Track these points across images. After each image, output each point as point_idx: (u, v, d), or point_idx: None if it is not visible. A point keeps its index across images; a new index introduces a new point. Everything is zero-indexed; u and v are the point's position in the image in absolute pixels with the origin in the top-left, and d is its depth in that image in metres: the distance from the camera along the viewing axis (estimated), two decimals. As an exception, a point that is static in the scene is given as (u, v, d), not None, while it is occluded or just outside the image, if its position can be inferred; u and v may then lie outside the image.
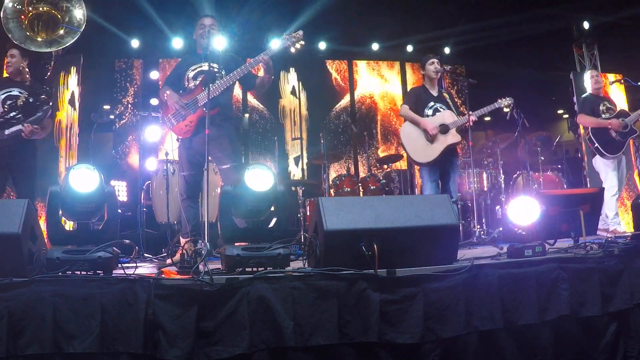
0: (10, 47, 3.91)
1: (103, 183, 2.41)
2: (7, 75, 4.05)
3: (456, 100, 4.93)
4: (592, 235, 3.20)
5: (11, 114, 3.75)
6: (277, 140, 7.17)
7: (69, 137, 5.86)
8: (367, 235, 2.36)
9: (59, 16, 3.57)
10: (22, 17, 3.49)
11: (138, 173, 5.66)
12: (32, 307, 2.05)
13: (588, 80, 5.40)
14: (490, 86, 5.78)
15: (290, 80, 8.39)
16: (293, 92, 8.35)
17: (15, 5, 3.47)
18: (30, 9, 3.51)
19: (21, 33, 3.52)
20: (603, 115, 5.15)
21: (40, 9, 3.55)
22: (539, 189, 5.93)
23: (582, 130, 6.88)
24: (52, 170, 5.68)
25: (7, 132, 3.72)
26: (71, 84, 5.98)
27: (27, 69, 3.97)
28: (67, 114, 5.89)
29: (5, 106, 3.81)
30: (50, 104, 3.88)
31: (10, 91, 3.90)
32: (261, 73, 3.84)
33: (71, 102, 5.92)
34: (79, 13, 3.61)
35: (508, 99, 4.75)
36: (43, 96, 3.81)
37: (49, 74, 4.70)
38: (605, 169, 5.14)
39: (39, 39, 3.56)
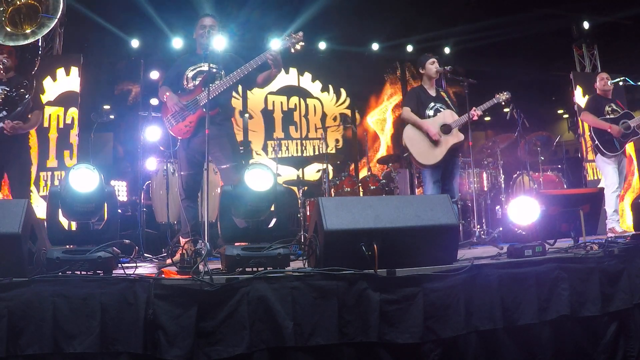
0: None
1: (103, 183, 2.41)
2: None
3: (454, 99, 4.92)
4: (592, 235, 3.20)
5: None
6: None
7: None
8: (367, 235, 2.36)
9: (38, 5, 3.53)
10: (2, 18, 3.47)
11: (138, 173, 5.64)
12: (32, 307, 2.04)
13: (598, 82, 5.53)
14: (490, 86, 5.78)
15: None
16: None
17: None
18: (7, 7, 3.46)
19: (2, 32, 3.48)
20: (608, 116, 5.25)
21: (18, 2, 3.50)
22: (539, 189, 5.93)
23: (581, 130, 6.92)
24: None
25: None
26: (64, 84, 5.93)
27: (3, 64, 3.91)
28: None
29: None
30: (28, 96, 3.83)
31: None
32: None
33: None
34: (56, 1, 3.56)
35: (505, 93, 4.77)
36: (22, 90, 3.78)
37: (36, 68, 4.62)
38: (605, 166, 5.26)
39: (19, 33, 3.52)
